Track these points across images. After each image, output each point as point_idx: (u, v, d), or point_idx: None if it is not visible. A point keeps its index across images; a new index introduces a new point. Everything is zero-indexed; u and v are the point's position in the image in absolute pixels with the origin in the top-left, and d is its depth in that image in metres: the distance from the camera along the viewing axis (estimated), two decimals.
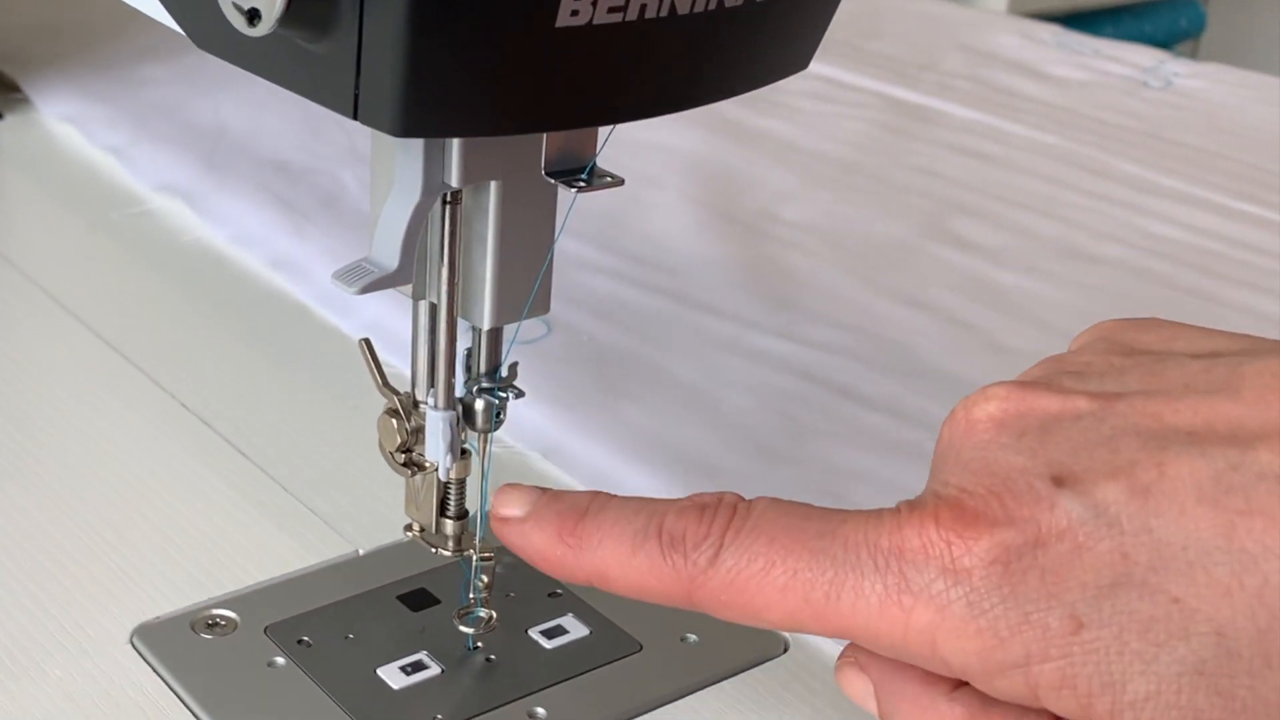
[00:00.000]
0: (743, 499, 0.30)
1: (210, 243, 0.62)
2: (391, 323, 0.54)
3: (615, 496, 0.32)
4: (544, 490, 0.32)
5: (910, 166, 0.75)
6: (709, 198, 0.69)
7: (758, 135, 0.78)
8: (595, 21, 0.25)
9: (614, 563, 0.30)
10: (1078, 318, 0.60)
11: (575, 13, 0.25)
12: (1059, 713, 0.26)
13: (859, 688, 0.30)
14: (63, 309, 0.55)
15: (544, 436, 0.48)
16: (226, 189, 0.65)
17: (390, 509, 0.43)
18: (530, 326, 0.55)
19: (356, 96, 0.26)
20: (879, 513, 0.28)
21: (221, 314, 0.56)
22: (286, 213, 0.63)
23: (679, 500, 0.30)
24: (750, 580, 0.28)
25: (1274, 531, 0.25)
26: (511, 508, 0.32)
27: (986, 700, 0.28)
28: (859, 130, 0.80)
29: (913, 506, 0.27)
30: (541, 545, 0.31)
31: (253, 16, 0.26)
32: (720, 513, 0.29)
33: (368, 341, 0.37)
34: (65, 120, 0.73)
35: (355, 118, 0.26)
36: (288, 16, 0.25)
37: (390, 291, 0.56)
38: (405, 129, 0.26)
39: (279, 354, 0.53)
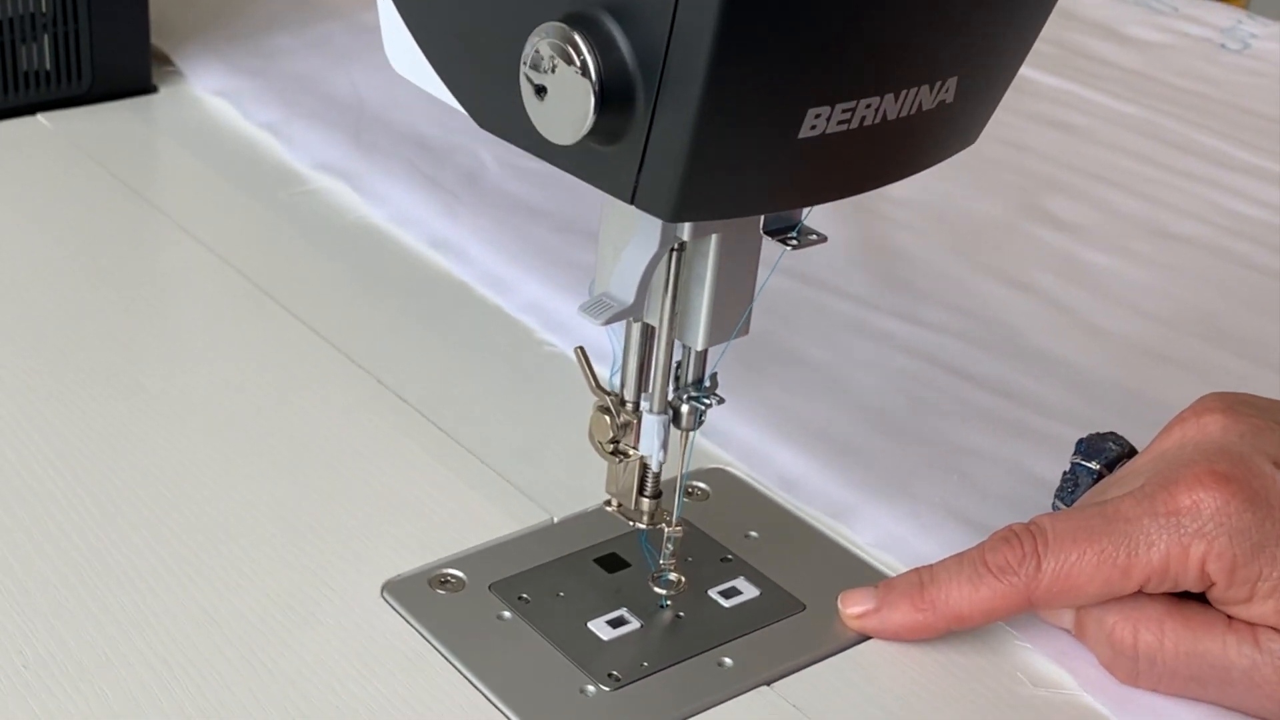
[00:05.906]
0: (1025, 525, 0.42)
1: (371, 221, 0.68)
2: (546, 303, 0.61)
3: (929, 565, 0.43)
4: (875, 585, 0.44)
5: (1000, 140, 0.81)
6: None
7: None
8: (828, 131, 0.31)
9: (964, 604, 0.42)
10: (1165, 300, 0.66)
11: (814, 127, 0.31)
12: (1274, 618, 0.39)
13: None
14: (262, 292, 0.61)
15: None
16: (378, 168, 0.72)
17: (571, 477, 0.50)
18: None
19: (635, 188, 0.32)
20: (1137, 493, 0.40)
21: (395, 294, 0.62)
22: (437, 193, 0.70)
23: (984, 543, 0.42)
24: (1070, 570, 0.40)
25: None
26: (860, 605, 0.44)
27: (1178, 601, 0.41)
28: None
29: (1170, 481, 0.40)
30: (901, 620, 0.43)
31: (540, 91, 0.32)
32: (1024, 537, 0.41)
33: (582, 350, 0.43)
34: (217, 94, 0.79)
35: (632, 203, 0.32)
36: (589, 132, 0.31)
37: (542, 277, 0.63)
38: (677, 216, 0.32)
39: (449, 332, 0.60)
